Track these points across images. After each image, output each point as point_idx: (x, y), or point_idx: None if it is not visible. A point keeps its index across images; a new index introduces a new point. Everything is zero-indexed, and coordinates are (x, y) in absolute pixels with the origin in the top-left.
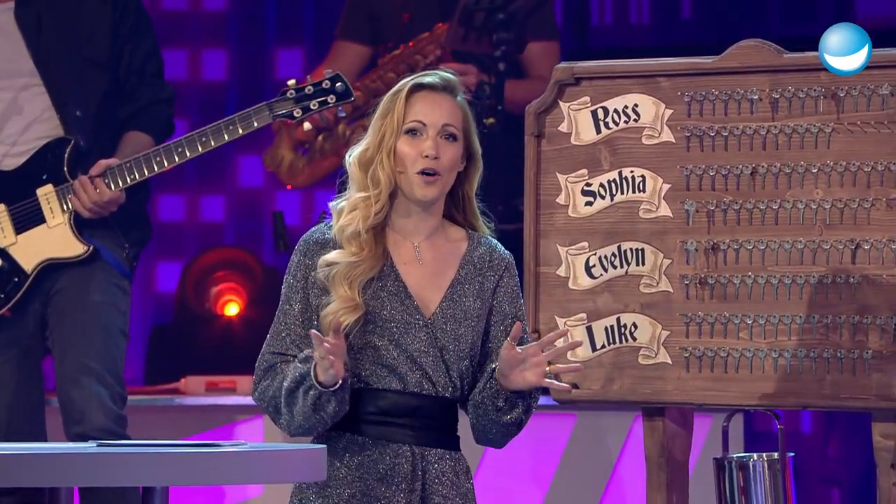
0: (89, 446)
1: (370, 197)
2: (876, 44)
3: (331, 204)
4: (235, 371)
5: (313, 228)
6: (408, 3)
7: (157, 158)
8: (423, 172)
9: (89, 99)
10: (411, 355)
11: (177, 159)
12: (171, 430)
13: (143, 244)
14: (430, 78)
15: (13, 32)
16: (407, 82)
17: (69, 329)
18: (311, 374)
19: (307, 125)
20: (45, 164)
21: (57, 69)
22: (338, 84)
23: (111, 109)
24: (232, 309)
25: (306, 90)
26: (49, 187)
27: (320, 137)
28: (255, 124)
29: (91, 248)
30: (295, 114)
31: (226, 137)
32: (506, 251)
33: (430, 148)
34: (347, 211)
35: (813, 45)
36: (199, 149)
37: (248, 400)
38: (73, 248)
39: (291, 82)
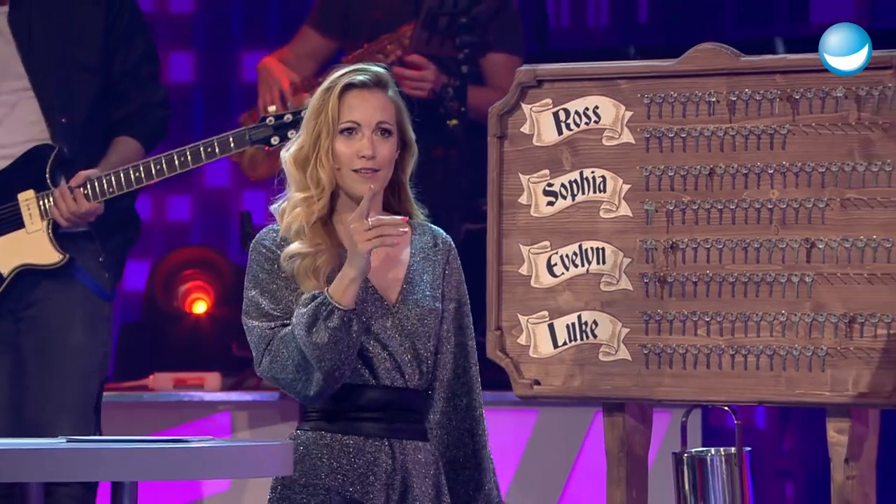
0: (59, 442)
1: (311, 196)
2: None
3: (272, 207)
4: (203, 368)
5: (265, 230)
6: (383, 4)
7: (136, 174)
8: (360, 170)
9: (77, 105)
10: (382, 342)
11: (155, 177)
12: (139, 426)
13: (126, 247)
14: (361, 76)
15: (6, 35)
16: (338, 80)
17: (47, 368)
18: (327, 299)
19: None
20: (29, 170)
21: (46, 75)
22: None
23: (101, 115)
24: (199, 307)
25: (285, 118)
26: (30, 193)
27: None
28: (233, 147)
29: (67, 257)
30: (272, 141)
31: (203, 159)
32: (447, 235)
33: (367, 148)
34: (289, 210)
35: (767, 48)
36: (178, 168)
37: (217, 396)
38: (49, 255)
39: (272, 109)
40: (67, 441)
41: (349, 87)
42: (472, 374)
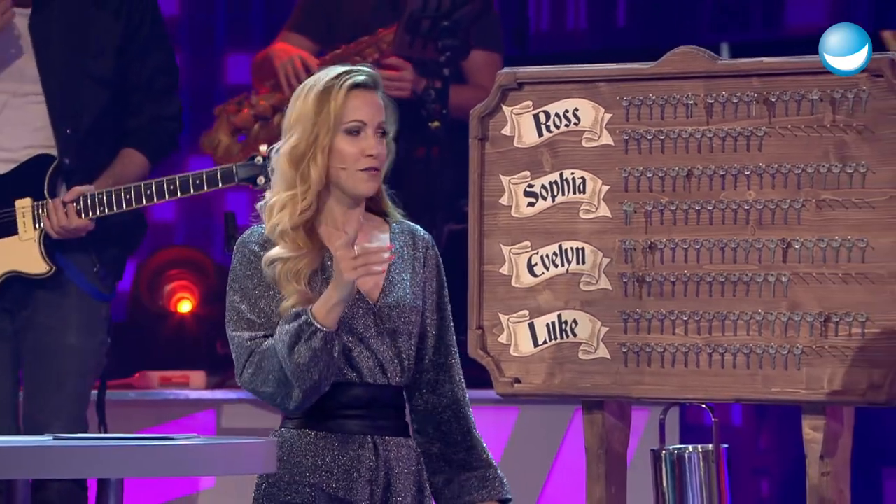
0: (46, 440)
1: (297, 194)
2: (804, 51)
3: (258, 205)
4: (188, 366)
5: (249, 231)
6: (364, 7)
7: (127, 196)
8: (367, 169)
9: (83, 117)
10: (364, 341)
11: (144, 202)
12: (125, 424)
13: (128, 254)
14: (362, 76)
15: (25, 39)
16: (339, 79)
17: (45, 370)
18: (310, 319)
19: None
20: (29, 177)
21: (58, 83)
22: None
23: (110, 126)
24: (184, 306)
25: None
26: (28, 201)
27: (256, 125)
28: (220, 184)
29: (53, 269)
30: (258, 181)
31: (192, 191)
32: (425, 232)
33: (373, 147)
34: (277, 210)
35: (743, 51)
36: (167, 196)
37: (202, 394)
38: (36, 265)
39: (263, 148)
40: (54, 439)
41: (354, 87)
42: (454, 368)
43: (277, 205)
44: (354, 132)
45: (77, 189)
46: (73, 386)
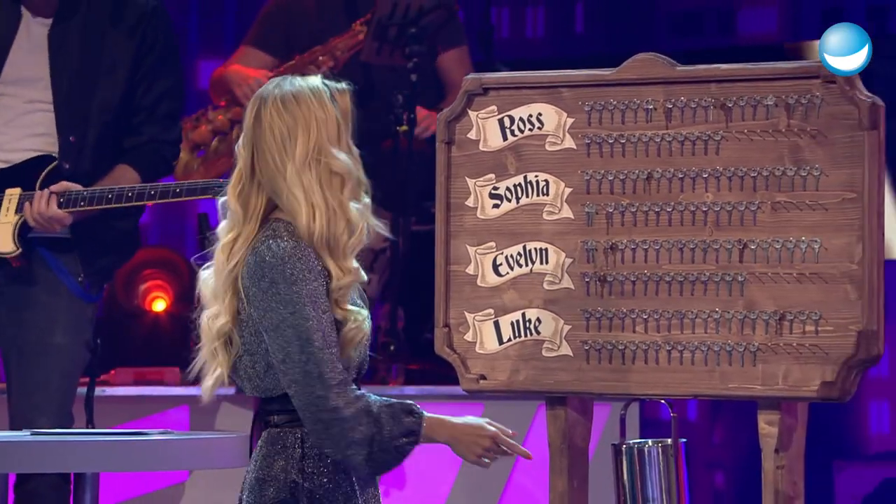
0: (24, 435)
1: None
2: (756, 58)
3: (353, 212)
4: (162, 363)
5: (290, 243)
6: (319, 19)
7: (109, 196)
8: None
9: (88, 128)
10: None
11: (124, 201)
12: (101, 420)
13: (118, 266)
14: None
15: (42, 48)
16: (339, 86)
17: (30, 367)
18: (422, 434)
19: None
20: (25, 174)
21: (67, 94)
22: None
23: (111, 142)
24: (159, 305)
25: None
26: (17, 190)
27: (215, 140)
28: (199, 193)
29: (20, 250)
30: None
31: (170, 198)
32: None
33: None
34: (341, 216)
35: (698, 58)
36: (145, 199)
37: (175, 390)
38: (5, 245)
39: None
40: (32, 434)
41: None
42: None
43: (340, 211)
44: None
45: (66, 184)
46: (59, 383)
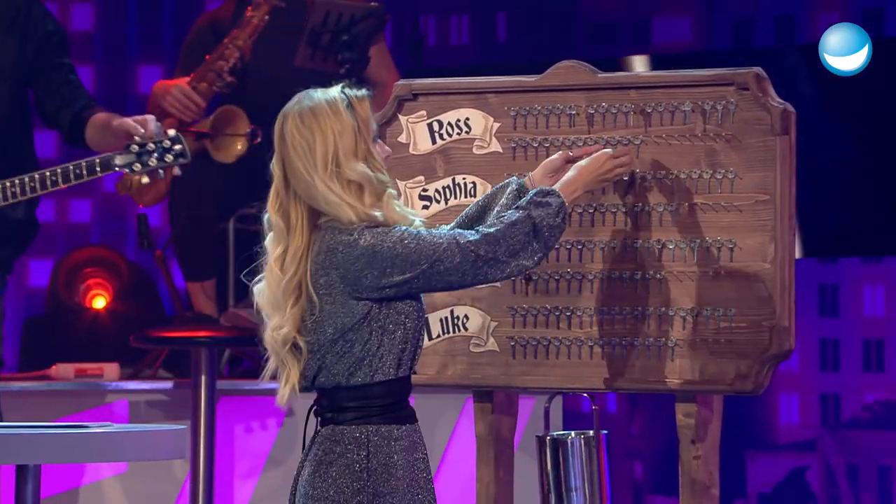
0: None
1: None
2: (671, 66)
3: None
4: (102, 359)
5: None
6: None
7: (13, 190)
8: None
9: None
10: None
11: (28, 193)
12: (42, 413)
13: (16, 256)
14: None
15: None
16: (359, 91)
17: None
18: (565, 204)
19: (145, 179)
20: None
21: None
22: (177, 145)
23: (9, 140)
24: (99, 302)
25: (148, 147)
26: None
27: None
28: (99, 171)
29: None
30: (134, 168)
31: (73, 180)
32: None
33: (385, 149)
34: (390, 204)
35: (614, 65)
36: (49, 187)
37: (115, 385)
38: None
39: (171, 132)
40: None
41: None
42: None
43: (390, 202)
44: (377, 138)
45: None
46: None
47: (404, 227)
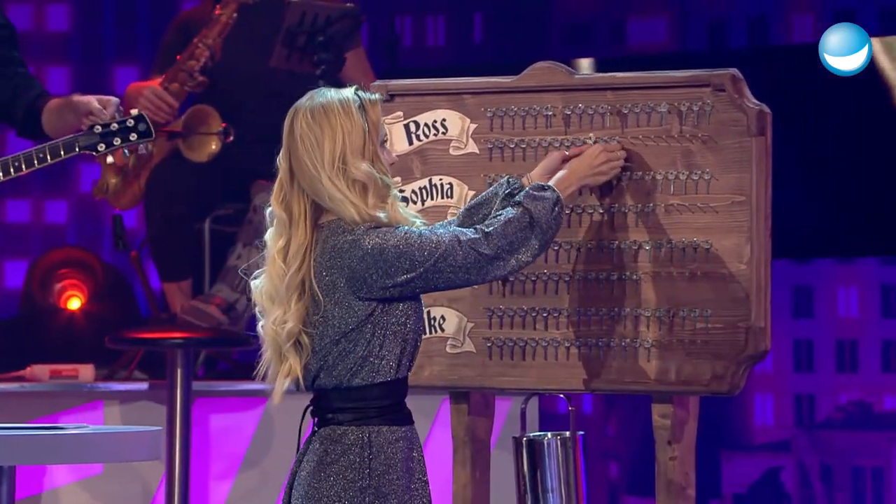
0: None
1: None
2: (646, 67)
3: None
4: (77, 360)
5: (360, 230)
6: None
7: None
8: None
9: None
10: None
11: (13, 173)
12: (17, 415)
13: None
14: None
15: None
16: (370, 95)
17: None
18: (561, 199)
19: (110, 158)
20: None
21: None
22: (140, 124)
23: None
24: (74, 303)
25: (111, 127)
26: None
27: (131, 161)
28: (63, 153)
29: None
30: (99, 148)
31: (36, 165)
32: None
33: (392, 155)
34: (394, 207)
35: (591, 66)
36: (12, 172)
37: (90, 386)
38: None
39: (133, 112)
40: None
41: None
42: None
43: (395, 205)
44: (385, 143)
45: None
46: None
47: (407, 227)
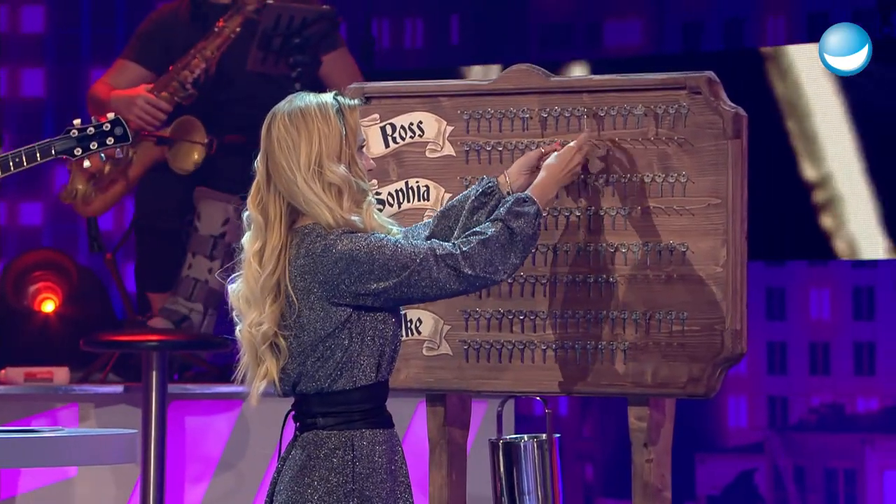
0: None
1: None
2: (622, 70)
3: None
4: (52, 362)
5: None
6: (198, 32)
7: None
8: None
9: None
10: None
11: None
12: None
13: None
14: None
15: None
16: (347, 100)
17: None
18: (539, 208)
19: (87, 163)
20: None
21: None
22: (117, 128)
23: None
24: (48, 306)
25: (88, 131)
26: None
27: (106, 167)
28: (39, 158)
29: None
30: (75, 152)
31: (12, 169)
32: None
33: (370, 161)
34: (369, 213)
35: (567, 68)
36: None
37: (65, 388)
38: None
39: (77, 122)
40: None
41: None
42: None
43: (369, 210)
44: (362, 149)
45: None
46: None
47: (382, 235)
